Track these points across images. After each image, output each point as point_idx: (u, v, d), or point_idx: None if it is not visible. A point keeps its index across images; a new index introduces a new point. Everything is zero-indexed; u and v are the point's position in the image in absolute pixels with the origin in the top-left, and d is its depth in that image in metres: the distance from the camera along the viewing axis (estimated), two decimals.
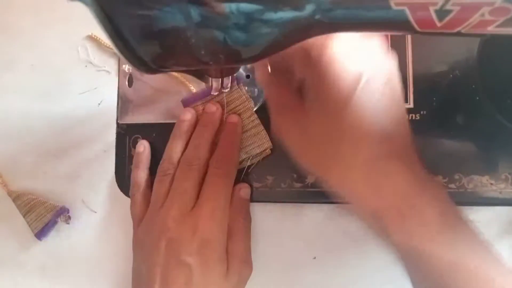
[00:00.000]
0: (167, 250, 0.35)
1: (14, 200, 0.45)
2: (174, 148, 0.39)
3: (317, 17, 0.19)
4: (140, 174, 0.41)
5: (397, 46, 0.40)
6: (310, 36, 0.21)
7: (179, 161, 0.39)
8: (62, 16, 0.48)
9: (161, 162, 0.40)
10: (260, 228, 0.42)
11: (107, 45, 0.47)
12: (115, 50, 0.20)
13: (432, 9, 0.18)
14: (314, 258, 0.41)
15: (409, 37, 0.40)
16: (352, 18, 0.19)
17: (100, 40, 0.47)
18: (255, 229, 0.41)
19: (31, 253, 0.46)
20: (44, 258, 0.46)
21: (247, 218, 0.40)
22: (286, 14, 0.19)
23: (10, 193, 0.46)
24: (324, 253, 0.41)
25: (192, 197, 0.37)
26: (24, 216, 0.45)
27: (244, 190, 0.40)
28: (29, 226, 0.45)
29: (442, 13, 0.18)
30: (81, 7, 0.19)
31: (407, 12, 0.18)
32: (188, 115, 0.40)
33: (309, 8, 0.18)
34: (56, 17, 0.49)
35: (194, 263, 0.34)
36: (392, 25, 0.20)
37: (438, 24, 0.19)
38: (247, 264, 0.39)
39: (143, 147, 0.42)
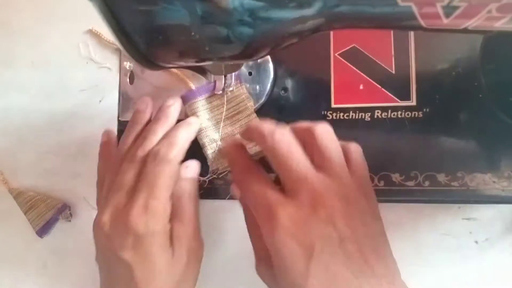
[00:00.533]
0: (105, 247, 0.34)
1: (15, 198, 0.45)
2: (125, 140, 0.37)
3: (323, 13, 0.18)
4: (102, 166, 0.40)
5: (400, 44, 0.40)
6: (317, 31, 0.21)
7: None
8: (63, 13, 0.48)
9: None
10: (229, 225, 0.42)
11: (108, 41, 0.46)
12: (119, 45, 0.20)
13: (439, 6, 0.18)
14: None
15: (412, 34, 0.40)
16: (358, 14, 0.19)
17: (101, 35, 0.47)
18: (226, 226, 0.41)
19: (32, 251, 0.46)
20: (46, 256, 0.46)
21: (192, 197, 0.38)
22: (292, 11, 0.18)
23: (11, 191, 0.46)
24: None
25: (127, 190, 0.34)
26: (25, 214, 0.45)
27: (187, 169, 0.38)
28: (30, 223, 0.44)
29: (449, 9, 0.18)
30: (83, 3, 0.19)
31: (414, 8, 0.18)
32: (142, 105, 0.38)
33: (316, 5, 0.18)
34: (56, 13, 0.49)
35: (132, 259, 0.33)
36: (398, 22, 0.20)
37: (445, 21, 0.18)
38: (195, 243, 0.36)
39: (106, 137, 0.41)
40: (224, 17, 0.19)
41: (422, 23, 0.19)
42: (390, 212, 0.40)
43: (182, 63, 0.23)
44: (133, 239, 0.33)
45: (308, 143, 0.32)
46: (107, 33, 0.45)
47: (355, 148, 0.33)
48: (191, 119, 0.39)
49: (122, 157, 0.36)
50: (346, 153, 0.33)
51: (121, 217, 0.33)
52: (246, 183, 0.33)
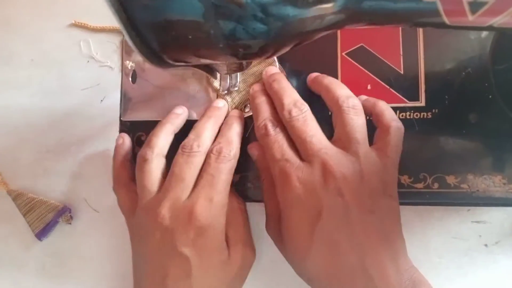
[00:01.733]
0: (162, 241, 0.34)
1: (14, 199, 0.44)
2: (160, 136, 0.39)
3: (345, 9, 0.18)
4: (121, 166, 0.40)
5: (408, 43, 0.39)
6: (333, 28, 0.20)
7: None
8: (63, 10, 0.47)
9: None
10: (263, 228, 0.41)
11: (96, 27, 0.45)
12: (129, 43, 0.19)
13: (465, 1, 0.17)
14: None
15: (420, 33, 0.39)
16: (380, 10, 0.18)
17: (87, 25, 0.46)
18: (258, 229, 0.40)
19: (32, 253, 0.45)
20: (45, 258, 0.45)
21: (241, 201, 0.39)
22: (311, 6, 0.18)
23: (9, 192, 0.45)
24: None
25: (189, 184, 0.35)
26: (24, 216, 0.44)
27: None
28: (30, 226, 0.43)
29: (476, 5, 0.17)
30: (83, 1, 0.18)
31: (438, 4, 0.17)
32: (179, 110, 0.41)
33: (338, 0, 0.17)
34: (57, 10, 0.48)
35: (192, 254, 0.33)
36: (420, 18, 0.19)
37: (470, 18, 0.18)
38: (250, 248, 0.37)
39: (121, 140, 0.41)
40: (238, 12, 0.18)
41: (446, 20, 0.18)
42: None
43: (194, 61, 0.22)
44: (195, 233, 0.33)
45: (335, 115, 0.35)
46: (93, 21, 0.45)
47: (393, 130, 0.34)
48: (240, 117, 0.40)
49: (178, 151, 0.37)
50: (382, 132, 0.35)
51: (184, 210, 0.33)
52: (267, 139, 0.35)
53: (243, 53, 0.20)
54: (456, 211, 0.38)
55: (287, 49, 0.21)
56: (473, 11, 0.17)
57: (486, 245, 0.38)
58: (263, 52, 0.20)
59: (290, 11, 0.19)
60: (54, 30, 0.48)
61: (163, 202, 0.34)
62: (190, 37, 0.19)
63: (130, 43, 0.19)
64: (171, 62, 0.21)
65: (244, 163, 0.40)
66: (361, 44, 0.40)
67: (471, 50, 0.39)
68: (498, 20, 0.18)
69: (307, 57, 0.41)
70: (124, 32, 0.18)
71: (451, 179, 0.38)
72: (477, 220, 0.38)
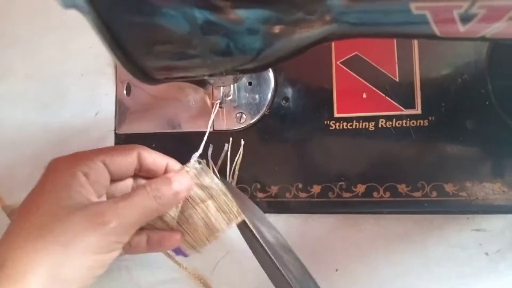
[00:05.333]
0: None
1: (9, 215, 0.44)
2: None
3: (334, 23, 0.17)
4: None
5: (403, 50, 0.39)
6: (326, 41, 0.20)
7: None
8: (57, 24, 0.47)
9: None
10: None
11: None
12: (115, 60, 0.19)
13: (456, 13, 0.17)
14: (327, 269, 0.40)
15: (415, 40, 0.39)
16: (369, 22, 0.18)
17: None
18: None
19: None
20: None
21: None
22: (300, 21, 0.17)
23: (4, 208, 0.45)
24: (332, 265, 0.39)
25: None
26: None
27: None
28: None
29: (467, 16, 0.17)
30: (77, 14, 0.18)
31: (429, 16, 0.17)
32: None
33: (326, 14, 0.17)
34: (51, 25, 0.47)
35: None
36: (411, 31, 0.19)
37: (461, 29, 0.17)
38: None
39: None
40: (231, 27, 0.18)
41: (437, 31, 0.18)
42: (397, 224, 0.39)
43: (182, 78, 0.22)
44: None
45: None
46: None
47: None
48: None
49: None
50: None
51: None
52: None
53: (230, 70, 0.19)
54: (456, 219, 0.38)
55: (278, 63, 0.21)
56: (464, 22, 0.17)
57: (487, 253, 0.37)
58: (253, 68, 0.20)
59: (279, 27, 0.18)
60: (49, 45, 0.47)
61: None
62: (176, 54, 0.19)
63: (116, 61, 0.19)
64: (159, 78, 0.21)
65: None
66: (356, 52, 0.40)
67: (467, 56, 0.39)
68: (490, 31, 0.17)
69: (302, 66, 0.41)
70: (109, 51, 0.18)
71: (449, 187, 0.37)
72: (477, 228, 0.38)
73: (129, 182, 0.35)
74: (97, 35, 0.17)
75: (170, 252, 0.38)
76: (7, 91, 0.48)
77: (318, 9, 0.17)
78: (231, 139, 0.41)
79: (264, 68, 0.21)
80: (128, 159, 0.32)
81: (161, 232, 0.34)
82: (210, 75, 0.20)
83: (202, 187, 0.35)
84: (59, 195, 0.29)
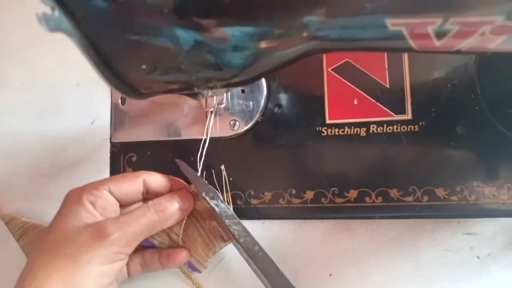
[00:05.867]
0: None
1: (7, 224, 0.44)
2: None
3: (313, 39, 0.18)
4: None
5: (393, 56, 0.39)
6: (308, 55, 0.20)
7: None
8: (53, 34, 0.47)
9: None
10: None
11: None
12: (101, 78, 0.19)
13: (430, 29, 0.17)
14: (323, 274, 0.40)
15: None
16: (347, 37, 0.18)
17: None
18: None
19: None
20: None
21: None
22: (280, 39, 0.18)
23: (3, 217, 0.45)
24: (325, 270, 0.40)
25: None
26: (17, 240, 0.44)
27: None
28: (23, 250, 0.43)
29: (441, 32, 0.17)
30: None
31: (404, 32, 0.17)
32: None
33: (304, 32, 0.18)
34: (47, 34, 0.48)
35: None
36: (389, 45, 0.19)
37: (437, 44, 0.18)
38: None
39: None
40: (216, 45, 0.19)
41: (414, 46, 0.18)
42: (389, 228, 0.39)
43: (170, 92, 0.22)
44: None
45: None
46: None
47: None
48: None
49: None
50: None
51: None
52: None
53: (216, 84, 0.20)
54: (447, 223, 0.38)
55: (262, 77, 0.21)
56: (439, 38, 0.18)
57: (478, 257, 0.38)
58: (237, 83, 0.21)
59: (262, 44, 0.19)
60: (45, 54, 0.48)
61: None
62: (162, 70, 0.19)
63: (102, 79, 0.19)
64: (147, 93, 0.21)
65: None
66: (347, 59, 0.40)
67: (456, 62, 0.39)
68: (465, 45, 0.18)
69: (293, 74, 0.42)
70: (95, 69, 0.19)
71: (440, 192, 0.37)
72: (468, 232, 0.38)
73: (139, 205, 0.37)
74: (83, 54, 0.18)
75: (184, 268, 0.40)
76: (3, 101, 0.49)
77: (296, 25, 0.18)
78: (222, 166, 0.41)
79: (248, 82, 0.21)
80: (133, 186, 0.36)
81: (169, 249, 0.38)
82: (197, 89, 0.21)
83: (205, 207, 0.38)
84: (69, 219, 0.33)
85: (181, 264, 0.39)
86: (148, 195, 0.37)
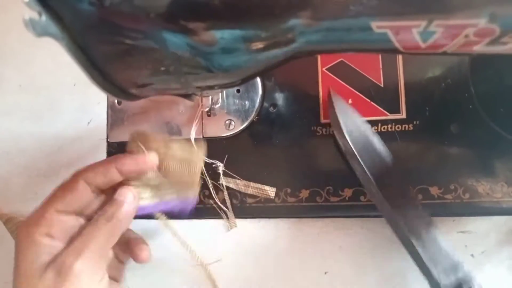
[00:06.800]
0: None
1: (5, 223, 0.45)
2: None
3: (297, 40, 0.18)
4: None
5: (387, 56, 0.40)
6: (296, 58, 0.21)
7: None
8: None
9: None
10: (253, 245, 0.41)
11: None
12: (91, 81, 0.20)
13: (415, 31, 0.17)
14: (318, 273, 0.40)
15: None
16: (333, 40, 0.18)
17: None
18: (249, 246, 0.41)
19: None
20: None
21: None
22: (266, 42, 0.18)
23: (0, 216, 0.45)
24: (321, 269, 0.40)
25: None
26: (15, 240, 0.44)
27: None
28: None
29: (425, 34, 0.17)
30: None
31: (390, 34, 0.18)
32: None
33: (290, 35, 0.18)
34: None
35: None
36: (375, 47, 0.19)
37: (423, 46, 0.18)
38: None
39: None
40: (204, 48, 0.19)
41: (400, 48, 0.18)
42: (384, 226, 0.39)
43: (161, 94, 0.22)
44: None
45: None
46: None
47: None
48: None
49: None
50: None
51: None
52: None
53: (204, 86, 0.20)
54: (441, 222, 0.38)
55: (251, 80, 0.21)
56: (424, 40, 0.18)
57: (472, 255, 0.38)
58: (224, 85, 0.21)
59: (249, 46, 0.19)
60: (41, 56, 0.48)
61: None
62: (152, 72, 0.19)
63: (92, 82, 0.19)
64: (137, 95, 0.22)
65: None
66: (341, 59, 0.40)
67: (450, 61, 0.39)
68: (450, 47, 0.18)
69: (288, 73, 0.42)
70: (85, 72, 0.19)
71: (434, 190, 0.38)
72: (463, 230, 0.38)
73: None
74: (72, 58, 0.18)
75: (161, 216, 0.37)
76: (1, 102, 0.49)
77: (283, 28, 0.18)
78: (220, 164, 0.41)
79: (237, 85, 0.21)
80: (107, 177, 0.34)
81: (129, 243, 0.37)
82: (186, 91, 0.21)
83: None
84: (29, 263, 0.32)
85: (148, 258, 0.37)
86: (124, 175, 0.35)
